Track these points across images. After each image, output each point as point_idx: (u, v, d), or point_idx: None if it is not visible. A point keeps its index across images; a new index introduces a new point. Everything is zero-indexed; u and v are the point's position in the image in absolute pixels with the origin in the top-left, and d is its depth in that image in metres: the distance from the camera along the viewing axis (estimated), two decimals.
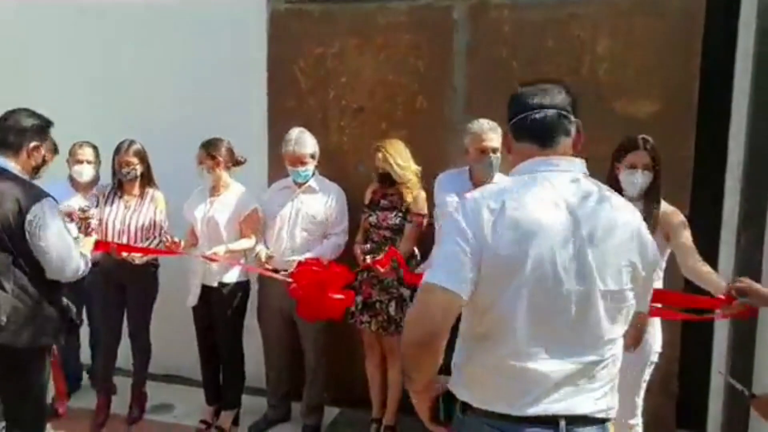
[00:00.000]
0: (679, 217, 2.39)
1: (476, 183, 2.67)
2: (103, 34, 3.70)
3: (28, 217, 2.11)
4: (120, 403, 3.36)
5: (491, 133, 2.65)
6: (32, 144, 2.25)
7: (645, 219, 2.31)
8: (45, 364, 2.31)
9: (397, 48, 3.23)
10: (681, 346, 2.98)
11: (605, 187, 1.40)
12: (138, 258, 3.04)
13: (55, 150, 3.10)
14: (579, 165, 1.39)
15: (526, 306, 1.28)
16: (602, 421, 1.36)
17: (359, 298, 2.95)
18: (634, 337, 1.44)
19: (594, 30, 2.96)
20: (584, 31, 2.97)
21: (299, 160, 2.99)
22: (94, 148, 3.34)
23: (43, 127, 2.29)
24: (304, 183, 3.06)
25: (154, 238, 3.14)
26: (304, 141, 2.99)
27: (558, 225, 1.29)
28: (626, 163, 2.38)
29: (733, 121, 2.87)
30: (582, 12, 2.97)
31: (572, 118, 1.39)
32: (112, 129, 3.37)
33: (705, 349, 2.99)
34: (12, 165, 2.21)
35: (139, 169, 3.13)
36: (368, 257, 2.86)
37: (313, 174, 3.08)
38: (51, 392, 3.20)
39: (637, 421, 2.50)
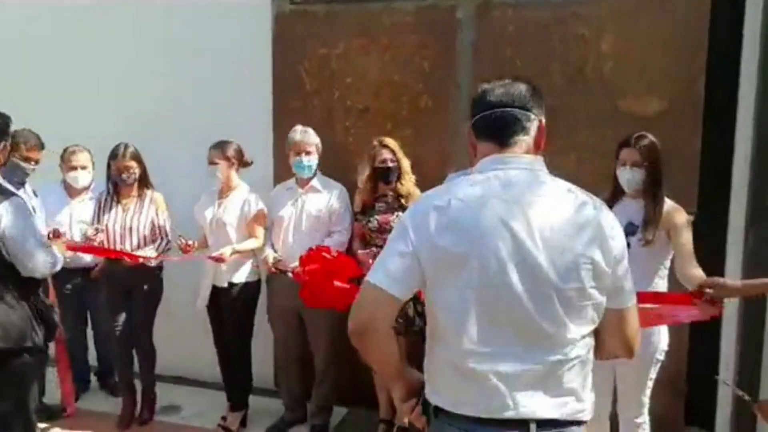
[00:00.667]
0: (681, 217, 2.39)
1: None
2: (105, 35, 3.73)
3: None
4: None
5: None
6: (1, 144, 2.27)
7: (645, 216, 2.38)
8: (27, 367, 2.29)
9: (402, 48, 3.24)
10: (689, 344, 2.98)
11: (565, 184, 1.37)
12: (154, 261, 3.08)
13: (41, 146, 3.12)
14: (536, 162, 1.36)
15: (475, 305, 1.28)
16: (577, 423, 1.34)
17: None
18: (624, 344, 1.41)
19: (598, 28, 2.97)
20: (589, 30, 2.98)
21: (304, 149, 3.02)
22: (89, 152, 3.34)
23: (6, 126, 2.30)
24: (308, 180, 3.08)
25: (161, 239, 3.16)
26: (309, 132, 3.06)
27: (504, 223, 1.27)
28: (619, 160, 2.46)
29: (740, 117, 2.87)
30: (586, 10, 2.98)
31: (533, 115, 1.37)
32: (115, 132, 3.39)
33: (713, 348, 2.99)
34: None
35: (137, 172, 3.15)
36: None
37: (315, 173, 3.10)
38: (58, 393, 3.27)
39: (644, 420, 2.50)
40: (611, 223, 1.34)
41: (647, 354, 2.39)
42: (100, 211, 3.18)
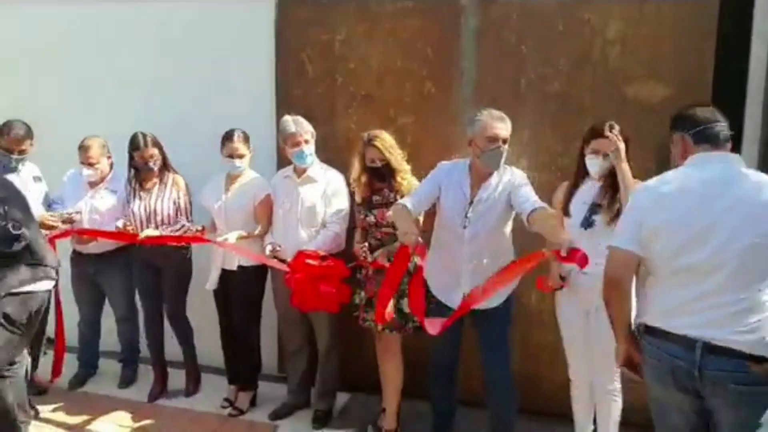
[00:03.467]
0: None
1: (475, 176, 2.66)
2: (108, 23, 3.76)
3: None
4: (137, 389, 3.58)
5: (501, 123, 2.60)
6: None
7: (611, 198, 2.53)
8: None
9: (405, 34, 3.26)
10: None
11: (753, 171, 1.91)
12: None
13: (30, 137, 3.32)
14: (737, 159, 1.95)
15: (675, 249, 1.87)
16: (747, 357, 1.76)
17: (363, 294, 2.98)
18: None
19: (604, 14, 2.97)
20: (594, 15, 2.98)
21: (302, 139, 3.04)
22: (102, 145, 3.40)
23: None
24: (305, 170, 3.11)
25: (179, 223, 3.27)
26: (301, 121, 3.07)
27: (700, 196, 1.85)
28: (591, 148, 2.57)
29: (749, 103, 2.87)
30: None
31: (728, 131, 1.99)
32: (118, 121, 3.48)
33: None
34: None
35: (160, 158, 3.29)
36: (373, 254, 2.85)
37: (310, 157, 3.10)
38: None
39: (615, 386, 2.66)
40: None
41: None
42: (126, 200, 3.36)
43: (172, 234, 3.24)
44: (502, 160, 2.63)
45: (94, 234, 3.31)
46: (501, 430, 2.85)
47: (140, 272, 3.43)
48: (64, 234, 3.33)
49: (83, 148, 3.36)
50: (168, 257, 3.31)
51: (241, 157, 3.18)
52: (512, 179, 2.65)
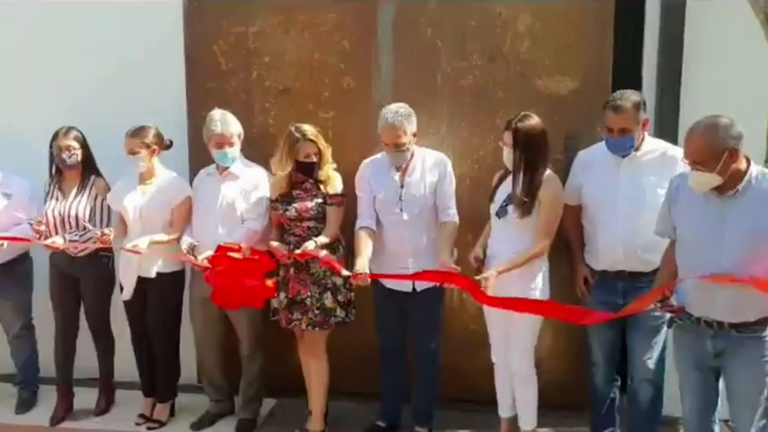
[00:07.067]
0: (549, 191, 2.72)
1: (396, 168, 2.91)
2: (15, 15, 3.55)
3: None
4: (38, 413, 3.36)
5: (398, 126, 2.77)
6: None
7: (514, 191, 2.69)
8: None
9: (321, 26, 3.29)
10: None
11: None
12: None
13: None
14: None
15: None
16: None
17: (282, 295, 2.96)
18: None
19: (515, 8, 3.13)
20: (505, 9, 3.14)
21: (227, 141, 2.99)
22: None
23: None
24: (227, 168, 3.06)
25: (86, 231, 3.08)
26: (229, 121, 3.02)
27: None
28: (502, 140, 2.78)
29: (645, 92, 3.12)
30: None
31: None
32: (26, 114, 3.34)
33: None
34: None
35: (79, 154, 3.12)
36: (302, 246, 2.82)
37: (233, 159, 3.05)
38: None
39: (530, 372, 2.85)
40: None
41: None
42: (45, 199, 3.18)
43: (78, 241, 3.06)
44: (401, 160, 2.87)
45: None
46: (424, 409, 3.07)
47: (55, 282, 3.25)
48: None
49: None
50: (86, 266, 3.15)
51: (134, 153, 3.04)
52: (439, 166, 2.91)
